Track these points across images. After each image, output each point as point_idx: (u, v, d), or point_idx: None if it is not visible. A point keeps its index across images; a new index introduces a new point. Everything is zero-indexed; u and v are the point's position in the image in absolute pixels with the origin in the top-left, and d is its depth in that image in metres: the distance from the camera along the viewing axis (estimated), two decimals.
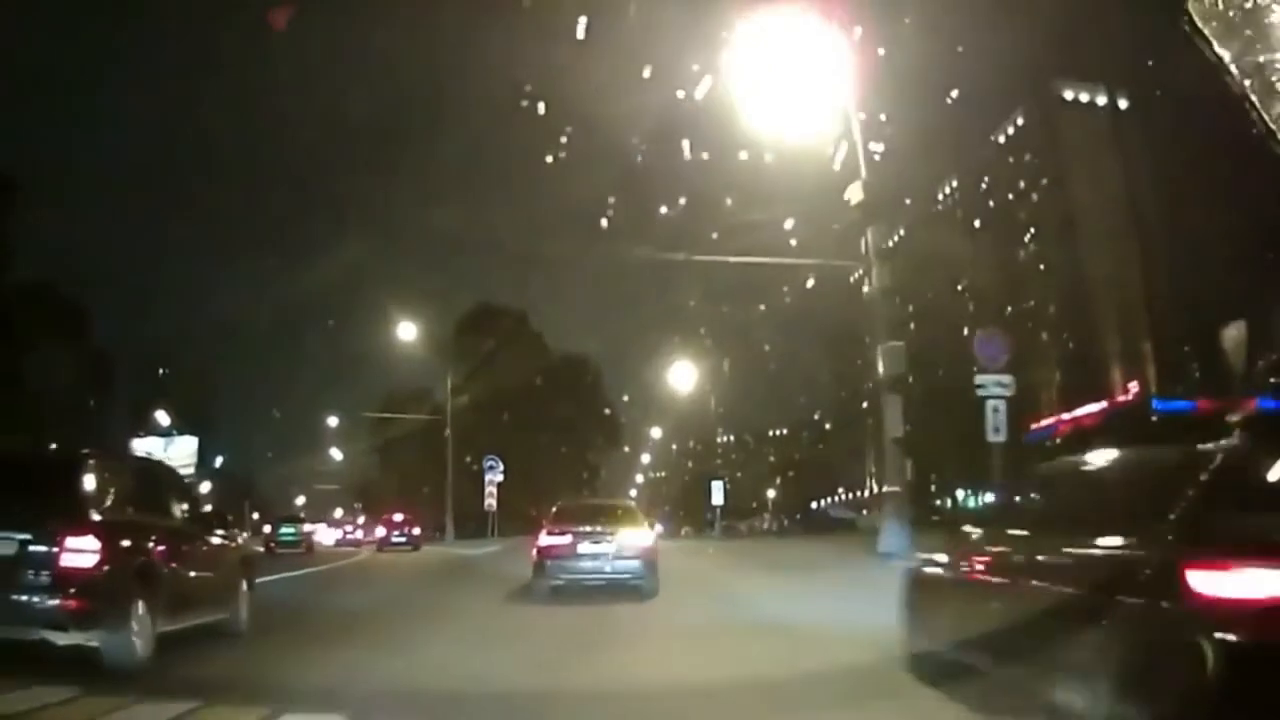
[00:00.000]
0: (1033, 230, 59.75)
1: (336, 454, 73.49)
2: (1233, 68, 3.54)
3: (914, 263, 47.98)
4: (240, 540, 9.39)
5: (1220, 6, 3.43)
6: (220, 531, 8.73)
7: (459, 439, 45.44)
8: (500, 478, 40.31)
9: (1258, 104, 3.60)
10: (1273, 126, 3.64)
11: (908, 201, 55.95)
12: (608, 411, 70.05)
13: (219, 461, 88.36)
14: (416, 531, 36.01)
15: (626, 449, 79.52)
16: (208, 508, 9.78)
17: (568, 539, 11.50)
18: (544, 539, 11.65)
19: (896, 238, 45.91)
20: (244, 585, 8.83)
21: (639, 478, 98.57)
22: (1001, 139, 63.03)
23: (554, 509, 13.02)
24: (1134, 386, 46.89)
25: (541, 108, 36.61)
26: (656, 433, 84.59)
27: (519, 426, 58.06)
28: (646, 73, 26.31)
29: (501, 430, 55.33)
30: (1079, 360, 52.40)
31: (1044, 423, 39.43)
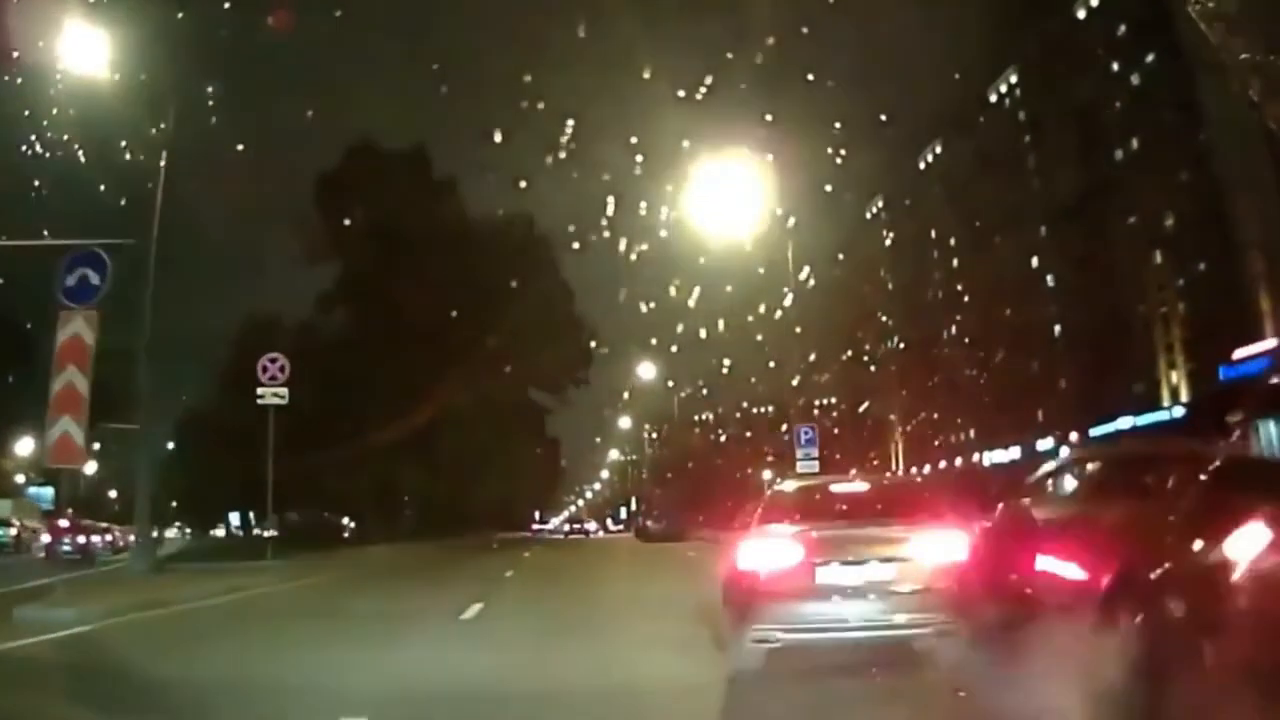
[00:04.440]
0: None
1: None
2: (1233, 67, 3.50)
3: None
4: None
5: (1221, 7, 3.38)
6: None
7: (326, 373, 25.08)
8: (277, 398, 19.51)
9: (1258, 104, 3.56)
10: (1273, 126, 3.60)
11: None
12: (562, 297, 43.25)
13: (170, 446, 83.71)
14: (85, 540, 27.91)
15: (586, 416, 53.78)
16: None
17: (798, 556, 5.80)
18: (751, 557, 5.98)
19: None
20: None
21: (612, 453, 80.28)
22: None
23: (766, 499, 7.38)
24: None
25: None
26: (648, 371, 56.25)
27: (417, 337, 36.31)
28: None
29: (382, 341, 35.73)
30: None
31: (1255, 349, 33.41)
